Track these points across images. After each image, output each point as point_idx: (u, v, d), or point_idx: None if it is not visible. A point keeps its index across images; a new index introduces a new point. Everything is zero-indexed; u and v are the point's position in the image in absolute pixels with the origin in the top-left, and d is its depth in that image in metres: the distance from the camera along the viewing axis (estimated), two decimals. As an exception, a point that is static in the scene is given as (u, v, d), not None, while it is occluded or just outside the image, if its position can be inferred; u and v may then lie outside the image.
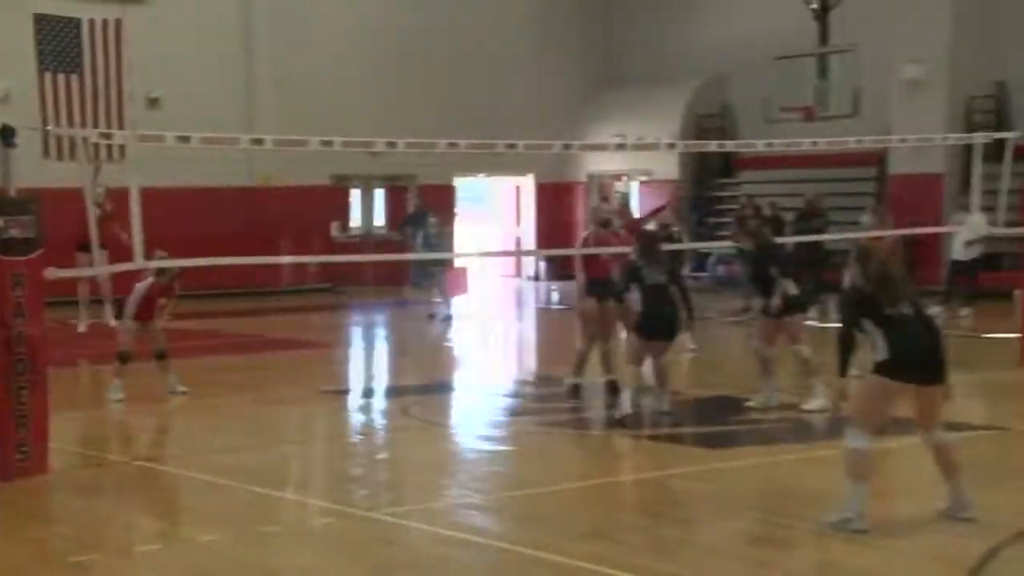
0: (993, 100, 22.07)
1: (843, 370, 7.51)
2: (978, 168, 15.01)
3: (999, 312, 16.41)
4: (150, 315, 11.85)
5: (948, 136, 19.44)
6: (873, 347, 7.26)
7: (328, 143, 11.46)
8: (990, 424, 10.57)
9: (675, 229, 16.07)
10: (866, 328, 7.25)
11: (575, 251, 12.00)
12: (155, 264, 10.95)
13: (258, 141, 13.54)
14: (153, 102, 21.64)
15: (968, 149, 16.93)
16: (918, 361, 7.16)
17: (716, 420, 11.00)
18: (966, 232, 17.64)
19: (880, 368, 7.17)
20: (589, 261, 11.63)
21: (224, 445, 10.16)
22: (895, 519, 7.41)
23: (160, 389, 11.97)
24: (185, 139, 10.68)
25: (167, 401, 11.89)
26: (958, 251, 18.75)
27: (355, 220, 26.12)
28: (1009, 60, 21.82)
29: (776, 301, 10.93)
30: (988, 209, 15.55)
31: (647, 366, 10.85)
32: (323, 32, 24.82)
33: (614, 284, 11.29)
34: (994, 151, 15.70)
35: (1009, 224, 14.83)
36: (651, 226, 15.93)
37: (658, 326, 10.66)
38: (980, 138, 15.58)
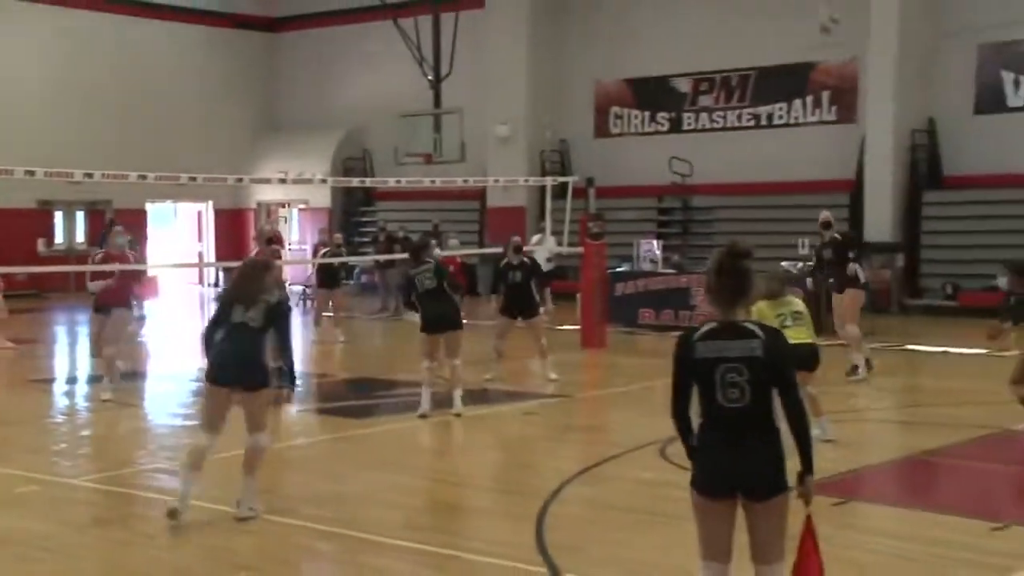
0: (559, 153, 23.33)
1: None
2: (549, 203, 15.90)
3: (567, 310, 17.34)
4: None
5: (528, 179, 20.41)
6: None
7: (31, 172, 10.53)
8: (560, 393, 11.13)
9: (340, 247, 16.48)
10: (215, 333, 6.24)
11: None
12: None
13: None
14: None
15: (542, 189, 17.80)
16: (228, 370, 6.14)
17: (362, 396, 11.02)
18: (544, 251, 18.54)
19: (204, 372, 6.41)
20: None
21: (-63, 430, 9.15)
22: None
23: None
24: None
25: None
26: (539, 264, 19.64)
27: (59, 237, 24.29)
28: (569, 124, 23.15)
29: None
30: (557, 233, 16.42)
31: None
32: (27, 73, 23.01)
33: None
34: (560, 191, 16.64)
35: (572, 244, 15.68)
36: (327, 243, 16.45)
37: (439, 324, 9.40)
38: (550, 181, 16.53)
